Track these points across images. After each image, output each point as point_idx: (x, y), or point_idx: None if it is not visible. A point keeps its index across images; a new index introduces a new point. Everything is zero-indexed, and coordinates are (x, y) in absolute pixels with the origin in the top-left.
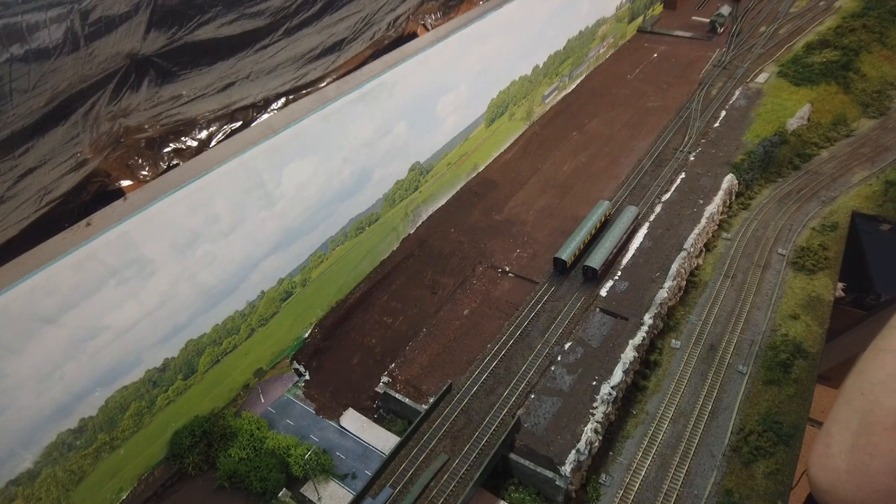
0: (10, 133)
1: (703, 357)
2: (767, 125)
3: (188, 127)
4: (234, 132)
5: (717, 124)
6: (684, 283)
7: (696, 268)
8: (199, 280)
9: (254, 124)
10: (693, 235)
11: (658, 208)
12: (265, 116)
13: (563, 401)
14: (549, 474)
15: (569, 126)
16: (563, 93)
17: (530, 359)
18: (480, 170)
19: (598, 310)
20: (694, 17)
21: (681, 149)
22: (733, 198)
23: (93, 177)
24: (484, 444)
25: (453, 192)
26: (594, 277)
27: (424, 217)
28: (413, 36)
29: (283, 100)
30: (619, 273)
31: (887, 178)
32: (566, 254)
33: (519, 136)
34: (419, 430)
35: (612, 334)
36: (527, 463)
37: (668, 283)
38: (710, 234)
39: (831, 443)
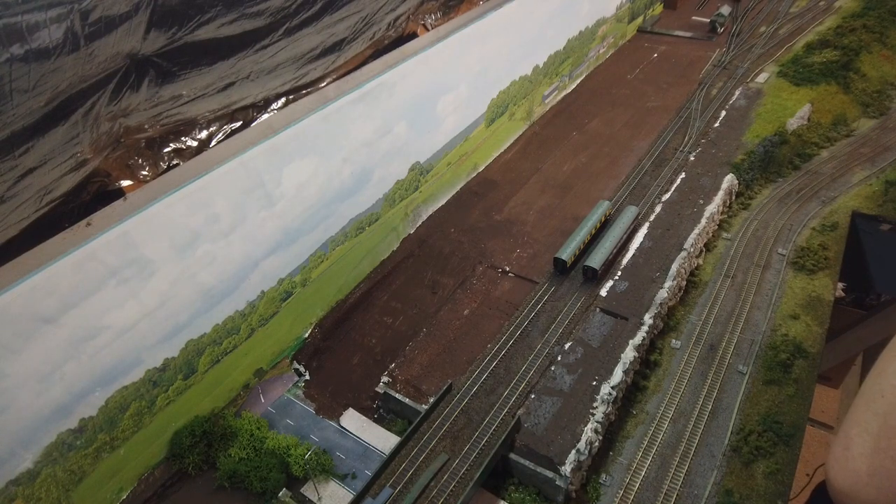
0: (10, 133)
1: (704, 357)
2: (767, 125)
3: (188, 127)
4: (234, 132)
5: (717, 124)
6: (684, 283)
7: (697, 268)
8: (200, 280)
9: (254, 124)
10: (693, 235)
11: (658, 208)
12: (265, 116)
13: (563, 401)
14: (549, 474)
15: (569, 126)
16: (563, 93)
17: (530, 359)
18: (480, 170)
19: (598, 310)
20: (694, 17)
21: (681, 149)
22: (733, 198)
23: (93, 177)
24: (484, 444)
25: (453, 192)
26: (594, 277)
27: (424, 217)
28: (413, 36)
29: (283, 100)
30: (619, 273)
31: (887, 178)
32: (566, 254)
33: (519, 136)
34: (419, 430)
35: (612, 334)
36: (527, 463)
37: (668, 283)
38: (711, 234)
39: (851, 445)
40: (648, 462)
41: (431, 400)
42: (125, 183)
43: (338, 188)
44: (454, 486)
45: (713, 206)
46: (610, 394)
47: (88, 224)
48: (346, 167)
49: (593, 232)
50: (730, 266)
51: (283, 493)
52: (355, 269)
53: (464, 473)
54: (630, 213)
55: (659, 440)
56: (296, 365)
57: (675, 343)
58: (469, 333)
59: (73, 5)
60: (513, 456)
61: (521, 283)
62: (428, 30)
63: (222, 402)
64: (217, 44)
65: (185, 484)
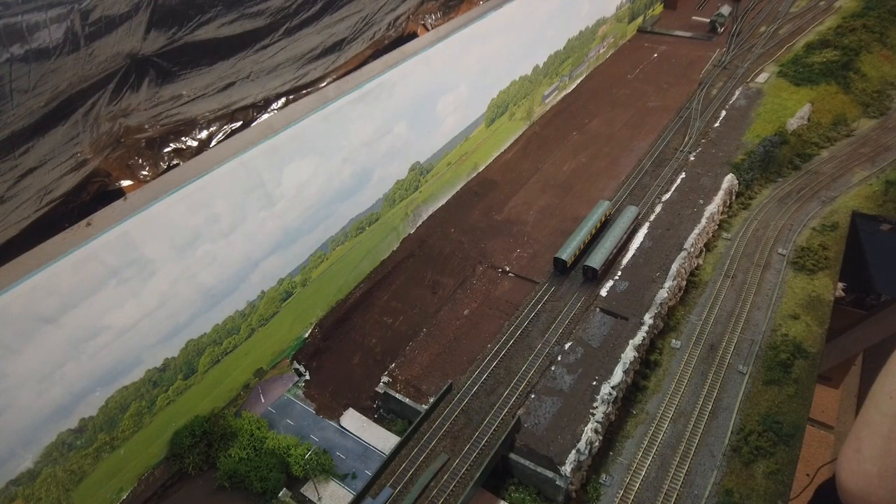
0: (10, 133)
1: (704, 357)
2: (767, 125)
3: (188, 127)
4: (234, 132)
5: (717, 124)
6: (684, 282)
7: (697, 268)
8: (200, 280)
9: (254, 124)
10: (693, 235)
11: (658, 208)
12: (265, 116)
13: (563, 401)
14: (550, 474)
15: (569, 126)
16: (564, 93)
17: (530, 359)
18: (480, 170)
19: (598, 310)
20: (694, 17)
21: (681, 149)
22: (733, 198)
23: (93, 177)
24: (484, 444)
25: (453, 192)
26: (594, 277)
27: (424, 217)
28: (413, 36)
29: (283, 100)
30: (620, 273)
31: (887, 178)
32: (566, 254)
33: (519, 136)
34: (419, 430)
35: (612, 334)
36: (527, 463)
37: (668, 283)
38: (711, 234)
39: (861, 447)
40: (648, 462)
41: (431, 400)
42: (125, 183)
43: (338, 188)
44: (454, 486)
45: (713, 206)
46: (610, 394)
47: (88, 224)
48: (346, 167)
49: (593, 232)
50: (730, 266)
51: (283, 493)
52: (355, 269)
53: (464, 473)
54: (630, 213)
55: (659, 440)
56: (296, 365)
57: (675, 343)
58: (469, 333)
59: (73, 5)
60: (513, 456)
61: (521, 283)
62: (428, 30)
63: (222, 402)
64: (217, 44)
65: (185, 484)
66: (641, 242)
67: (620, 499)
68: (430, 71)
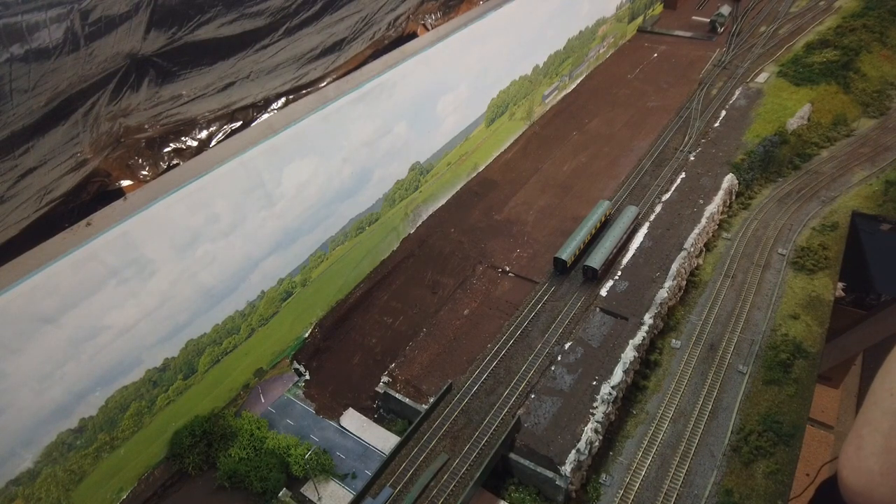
0: (10, 133)
1: (704, 357)
2: (767, 125)
3: (188, 127)
4: (234, 132)
5: (717, 124)
6: (684, 282)
7: (697, 268)
8: (200, 280)
9: (254, 124)
10: (693, 235)
11: (658, 208)
12: (265, 116)
13: (563, 401)
14: (550, 474)
15: (569, 126)
16: (564, 92)
17: (530, 359)
18: (480, 170)
19: (598, 310)
20: (694, 17)
21: (681, 148)
22: (733, 197)
23: (93, 177)
24: (484, 444)
25: (453, 192)
26: (594, 277)
27: (424, 217)
28: (413, 36)
29: (283, 100)
30: (620, 273)
31: (887, 178)
32: (566, 254)
33: (519, 135)
34: (419, 429)
35: (612, 334)
36: (527, 463)
37: (668, 283)
38: (711, 234)
39: (862, 445)
40: (648, 462)
41: (431, 400)
42: (125, 183)
43: (338, 188)
44: (454, 486)
45: (713, 206)
46: (610, 394)
47: (88, 224)
48: (346, 167)
49: (593, 232)
50: (730, 266)
51: (283, 492)
52: (355, 269)
53: (464, 473)
54: (630, 212)
55: (659, 440)
56: (296, 365)
57: (675, 343)
58: (469, 333)
59: (73, 5)
60: (513, 456)
61: (521, 283)
62: (428, 30)
63: (222, 402)
64: (217, 44)
65: (185, 484)
66: (641, 242)
67: (620, 498)
68: (430, 71)
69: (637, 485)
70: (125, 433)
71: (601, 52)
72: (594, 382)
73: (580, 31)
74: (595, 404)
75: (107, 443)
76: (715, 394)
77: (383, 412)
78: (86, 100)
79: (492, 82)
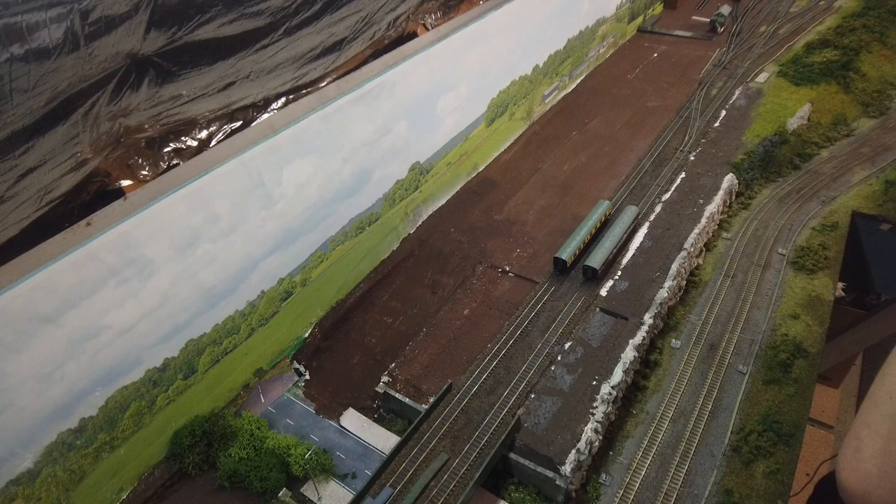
0: (10, 133)
1: (703, 357)
2: (767, 125)
3: (188, 127)
4: (234, 132)
5: (717, 124)
6: (684, 282)
7: (696, 267)
8: (200, 280)
9: (254, 124)
10: (693, 235)
11: (658, 208)
12: (265, 116)
13: (563, 400)
14: (550, 474)
15: (569, 126)
16: (564, 92)
17: (530, 358)
18: (480, 169)
19: (598, 309)
20: (694, 17)
21: (681, 148)
22: (733, 197)
23: (93, 177)
24: (484, 444)
25: (453, 191)
26: (594, 277)
27: (424, 217)
28: (413, 36)
29: (283, 99)
30: (620, 273)
31: (887, 178)
32: (566, 253)
33: (519, 135)
34: (419, 429)
35: (612, 334)
36: (527, 463)
37: (668, 283)
38: (711, 234)
39: (861, 447)
40: (648, 462)
41: (431, 400)
42: (125, 183)
43: (338, 188)
44: (454, 486)
45: (713, 206)
46: (610, 393)
47: (88, 224)
48: (346, 167)
49: (593, 232)
50: (730, 266)
51: (283, 492)
52: (355, 268)
53: (464, 473)
54: (630, 212)
55: (659, 440)
56: (296, 365)
57: (675, 343)
58: (469, 333)
59: (73, 5)
60: (513, 456)
61: (521, 283)
62: (428, 29)
63: (222, 401)
64: (217, 44)
65: (185, 484)
66: (641, 242)
67: (620, 498)
68: (430, 71)
69: (637, 485)
70: (125, 433)
71: (601, 51)
72: (594, 382)
73: (580, 31)
74: (595, 404)
75: (107, 443)
76: (715, 394)
77: (383, 412)
78: (86, 100)
79: (492, 82)
